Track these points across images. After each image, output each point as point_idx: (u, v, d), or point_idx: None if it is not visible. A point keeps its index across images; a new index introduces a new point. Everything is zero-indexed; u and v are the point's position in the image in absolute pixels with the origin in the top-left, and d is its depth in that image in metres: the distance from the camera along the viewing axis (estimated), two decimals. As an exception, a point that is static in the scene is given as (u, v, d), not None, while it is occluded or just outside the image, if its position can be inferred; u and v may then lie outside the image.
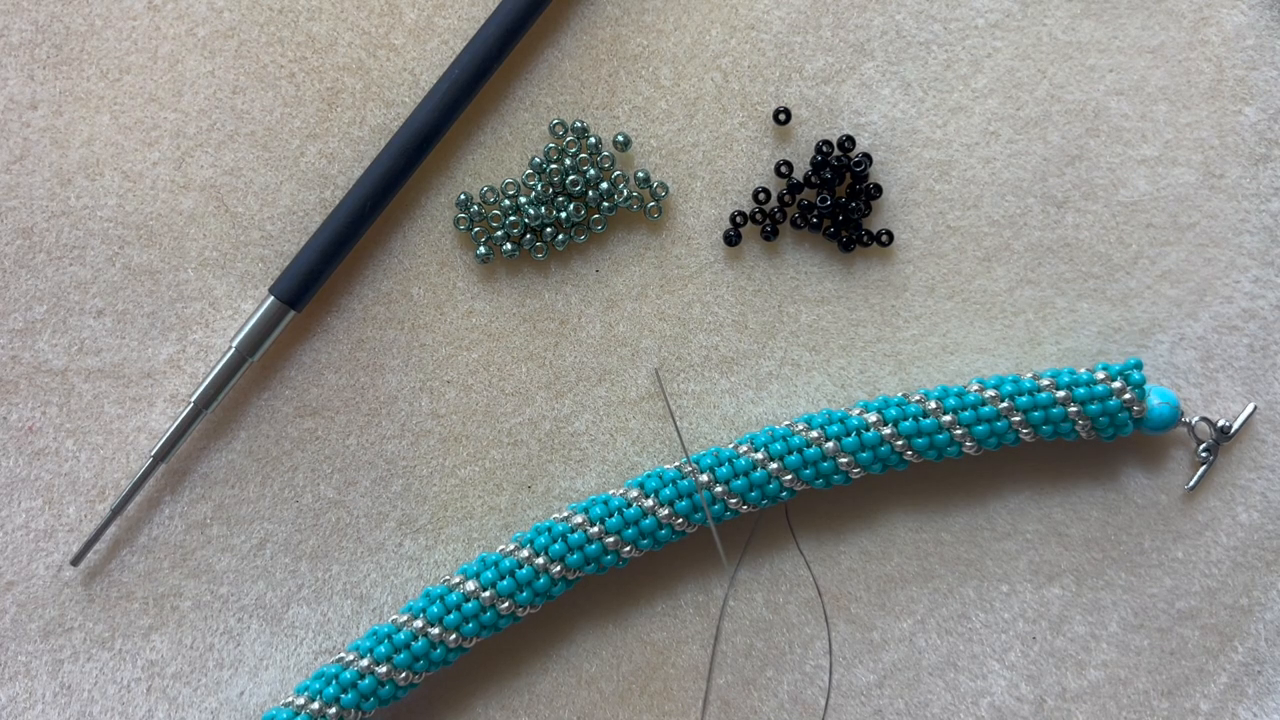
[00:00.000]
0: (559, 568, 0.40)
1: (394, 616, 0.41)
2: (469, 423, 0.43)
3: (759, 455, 0.41)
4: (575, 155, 0.43)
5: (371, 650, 0.40)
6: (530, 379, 0.44)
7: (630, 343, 0.44)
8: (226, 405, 0.43)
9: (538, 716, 0.43)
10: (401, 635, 0.40)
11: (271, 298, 0.41)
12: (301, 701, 0.40)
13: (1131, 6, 0.44)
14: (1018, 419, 0.42)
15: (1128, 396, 0.42)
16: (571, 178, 0.43)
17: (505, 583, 0.40)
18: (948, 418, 0.41)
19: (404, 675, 0.40)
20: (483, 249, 0.43)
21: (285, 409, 0.43)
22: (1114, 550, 0.44)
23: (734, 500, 0.41)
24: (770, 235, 0.43)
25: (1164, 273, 0.44)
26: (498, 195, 0.43)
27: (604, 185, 0.43)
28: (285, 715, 0.40)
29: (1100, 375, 0.42)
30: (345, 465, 0.43)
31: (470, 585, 0.40)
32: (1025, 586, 0.44)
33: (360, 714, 0.40)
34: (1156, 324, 0.44)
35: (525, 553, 0.41)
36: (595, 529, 0.40)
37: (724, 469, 0.41)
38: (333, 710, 0.40)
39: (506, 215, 0.43)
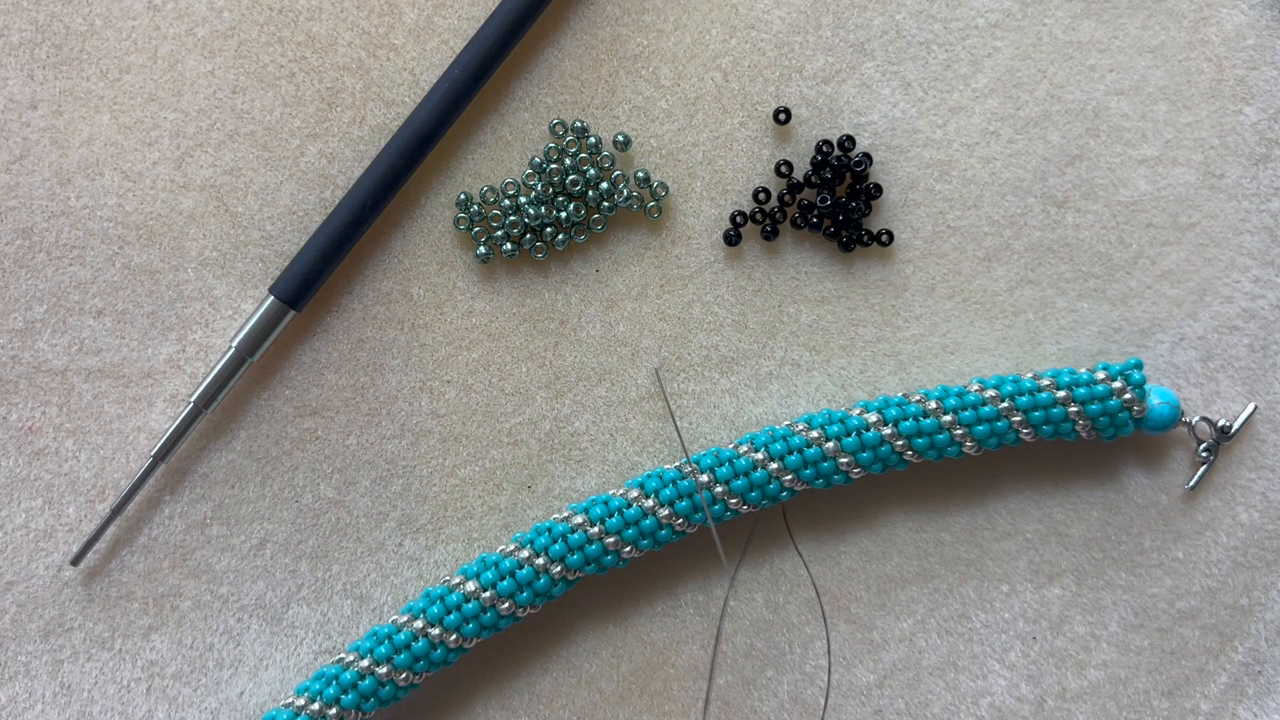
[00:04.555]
0: (559, 568, 0.40)
1: (394, 617, 0.41)
2: (469, 423, 0.43)
3: (759, 455, 0.41)
4: (575, 155, 0.43)
5: (372, 651, 0.40)
6: (530, 379, 0.44)
7: (630, 343, 0.44)
8: (226, 405, 0.43)
9: (538, 716, 0.43)
10: (402, 636, 0.40)
11: (271, 298, 0.41)
12: (302, 702, 0.40)
13: (1131, 6, 0.44)
14: (1018, 419, 0.42)
15: (1128, 396, 0.42)
16: (571, 178, 0.43)
17: (505, 583, 0.40)
18: (948, 418, 0.41)
19: (404, 676, 0.40)
20: (483, 249, 0.43)
21: (285, 409, 0.43)
22: (1114, 550, 0.44)
23: (734, 500, 0.41)
24: (770, 235, 0.43)
25: (1164, 273, 0.44)
26: (498, 195, 0.43)
27: (604, 185, 0.43)
28: (285, 716, 0.40)
29: (1100, 375, 0.42)
30: (345, 465, 0.43)
31: (470, 585, 0.40)
32: (1025, 586, 0.44)
33: (360, 714, 0.40)
34: (1156, 324, 0.44)
35: (525, 553, 0.41)
36: (595, 529, 0.40)
37: (724, 469, 0.41)
38: (333, 711, 0.40)
39: (506, 215, 0.43)
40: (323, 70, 0.43)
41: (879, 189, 0.43)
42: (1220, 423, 0.43)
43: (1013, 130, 0.44)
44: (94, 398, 0.43)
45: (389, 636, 0.40)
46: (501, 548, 0.41)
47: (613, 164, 0.43)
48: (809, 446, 0.41)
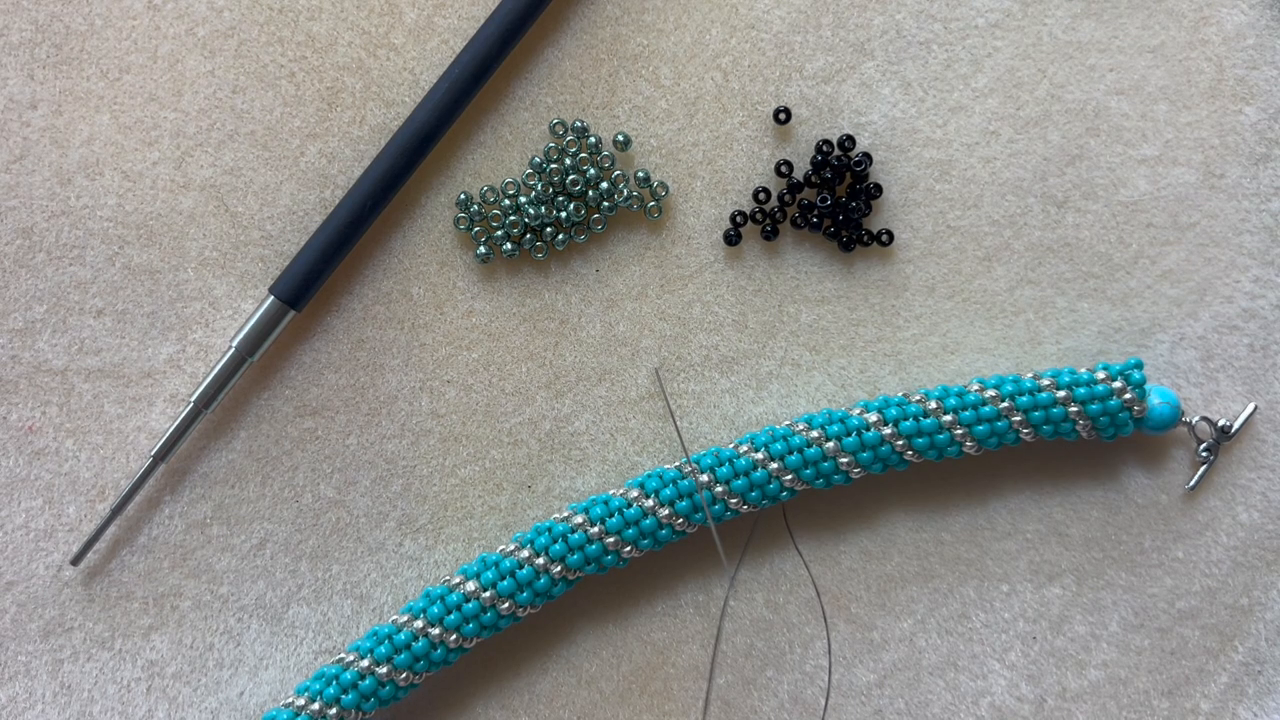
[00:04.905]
0: (559, 568, 0.40)
1: (394, 617, 0.41)
2: (469, 423, 0.43)
3: (759, 455, 0.41)
4: (575, 155, 0.43)
5: (372, 650, 0.40)
6: (530, 379, 0.44)
7: (630, 343, 0.44)
8: (226, 405, 0.43)
9: (538, 716, 0.43)
10: (402, 635, 0.40)
11: (271, 297, 0.41)
12: (302, 702, 0.40)
13: (1131, 6, 0.44)
14: (1018, 419, 0.42)
15: (1128, 396, 0.42)
16: (571, 177, 0.43)
17: (505, 583, 0.40)
18: (948, 417, 0.41)
19: (404, 676, 0.40)
20: (483, 249, 0.43)
21: (285, 409, 0.43)
22: (1114, 550, 0.44)
23: (734, 500, 0.41)
24: (770, 235, 0.43)
25: (1164, 272, 0.44)
26: (498, 195, 0.43)
27: (604, 185, 0.43)
28: (285, 715, 0.40)
29: (1100, 375, 0.42)
30: (345, 465, 0.43)
31: (470, 585, 0.40)
32: (1025, 586, 0.44)
33: (360, 714, 0.40)
34: (1157, 324, 0.44)
35: (525, 553, 0.41)
36: (595, 529, 0.40)
37: (724, 469, 0.41)
38: (333, 711, 0.40)
39: (506, 215, 0.43)
40: (323, 70, 0.43)
41: (879, 189, 0.43)
42: (1220, 423, 0.43)
43: (1013, 130, 0.44)
44: (94, 398, 0.43)
45: (389, 636, 0.40)
46: (501, 548, 0.41)
47: (613, 164, 0.43)
48: (809, 446, 0.41)
